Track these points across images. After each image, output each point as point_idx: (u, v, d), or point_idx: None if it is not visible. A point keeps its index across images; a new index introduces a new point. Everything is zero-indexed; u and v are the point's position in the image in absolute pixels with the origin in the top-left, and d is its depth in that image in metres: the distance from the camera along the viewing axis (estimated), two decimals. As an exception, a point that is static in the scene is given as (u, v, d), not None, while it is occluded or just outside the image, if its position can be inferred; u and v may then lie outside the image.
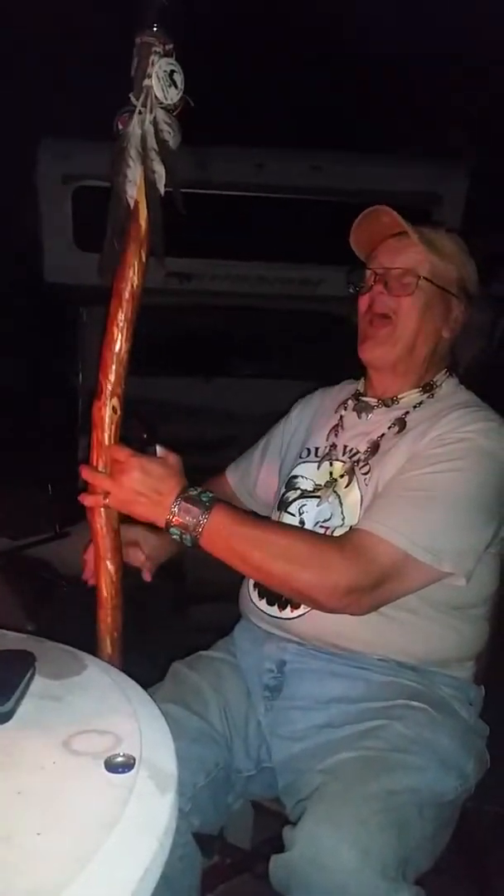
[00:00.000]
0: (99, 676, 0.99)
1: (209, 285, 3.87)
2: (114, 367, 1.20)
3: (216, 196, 3.68)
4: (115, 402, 1.19)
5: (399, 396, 1.42)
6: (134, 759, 0.78)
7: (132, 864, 0.66)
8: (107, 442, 1.20)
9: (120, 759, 0.78)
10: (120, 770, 0.77)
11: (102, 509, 1.21)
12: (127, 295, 1.20)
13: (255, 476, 1.63)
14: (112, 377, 1.20)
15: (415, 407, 1.40)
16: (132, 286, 1.20)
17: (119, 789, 0.74)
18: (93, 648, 1.19)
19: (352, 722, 1.22)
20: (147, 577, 1.45)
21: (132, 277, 1.20)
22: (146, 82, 1.15)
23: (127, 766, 0.77)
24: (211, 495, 1.19)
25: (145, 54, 1.15)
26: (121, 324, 1.21)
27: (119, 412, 1.20)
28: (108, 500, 1.19)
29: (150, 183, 1.18)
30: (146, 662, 1.37)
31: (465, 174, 3.97)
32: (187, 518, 1.17)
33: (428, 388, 1.42)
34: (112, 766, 0.77)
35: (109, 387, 1.20)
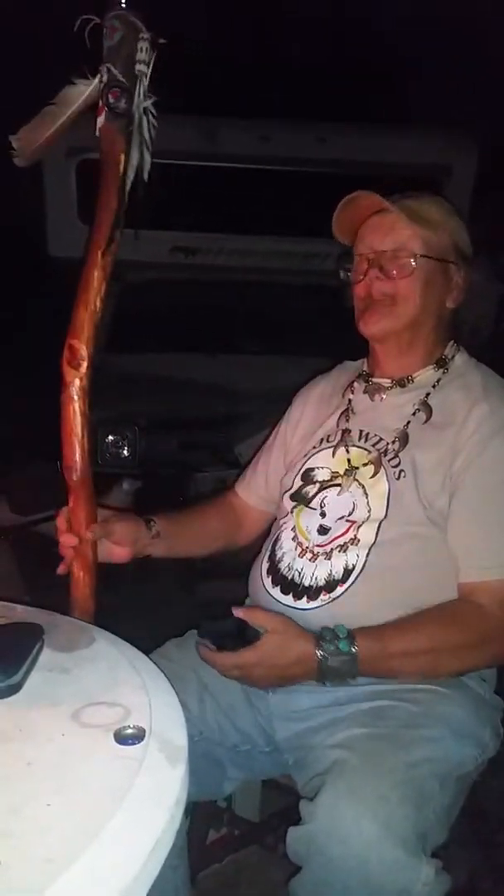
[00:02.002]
0: (108, 649, 0.98)
1: (215, 260, 3.84)
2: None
3: (222, 169, 3.64)
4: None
5: (413, 375, 1.38)
6: (144, 731, 0.78)
7: (143, 835, 0.65)
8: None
9: (130, 730, 0.78)
10: (130, 742, 0.77)
11: (78, 465, 1.23)
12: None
13: (266, 481, 1.57)
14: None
15: (433, 386, 1.35)
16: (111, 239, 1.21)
17: (129, 761, 0.74)
18: (101, 623, 1.19)
19: (358, 701, 1.21)
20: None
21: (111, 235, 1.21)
22: (139, 67, 1.18)
23: (137, 737, 0.77)
24: (342, 634, 1.16)
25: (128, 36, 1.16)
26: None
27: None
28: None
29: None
30: (153, 639, 1.37)
31: (475, 144, 3.91)
32: (339, 669, 1.15)
33: (441, 363, 1.38)
34: (122, 738, 0.77)
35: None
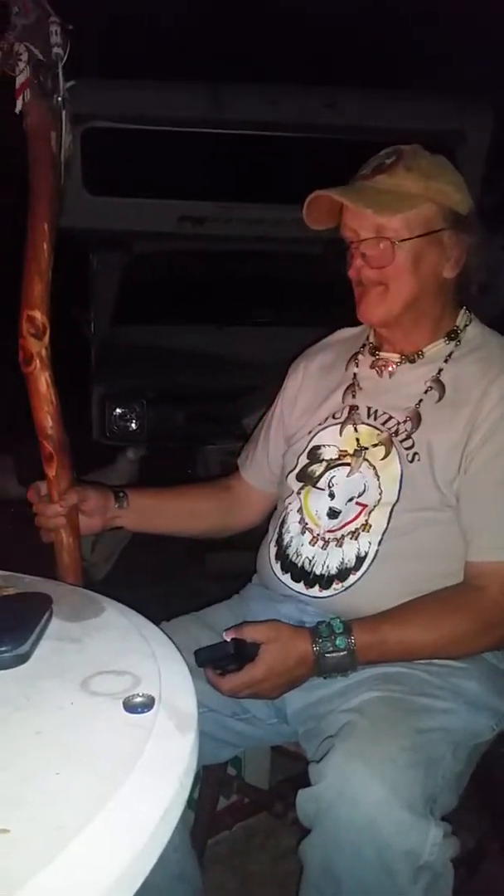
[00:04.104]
0: (117, 618, 0.98)
1: (222, 229, 3.78)
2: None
3: (229, 135, 3.58)
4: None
5: (423, 350, 1.32)
6: (153, 700, 0.78)
7: (152, 803, 0.65)
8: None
9: (139, 699, 0.77)
10: (139, 710, 0.76)
11: (50, 431, 1.25)
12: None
13: (269, 461, 1.51)
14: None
15: (445, 361, 1.30)
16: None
17: (138, 729, 0.74)
18: (109, 592, 1.19)
19: (372, 668, 1.20)
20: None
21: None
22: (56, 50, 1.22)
23: (146, 706, 0.77)
24: (339, 630, 1.15)
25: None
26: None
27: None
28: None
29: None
30: (162, 608, 1.37)
31: (490, 111, 3.84)
32: (338, 664, 1.15)
33: (452, 335, 1.32)
34: (131, 707, 0.76)
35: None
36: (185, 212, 3.77)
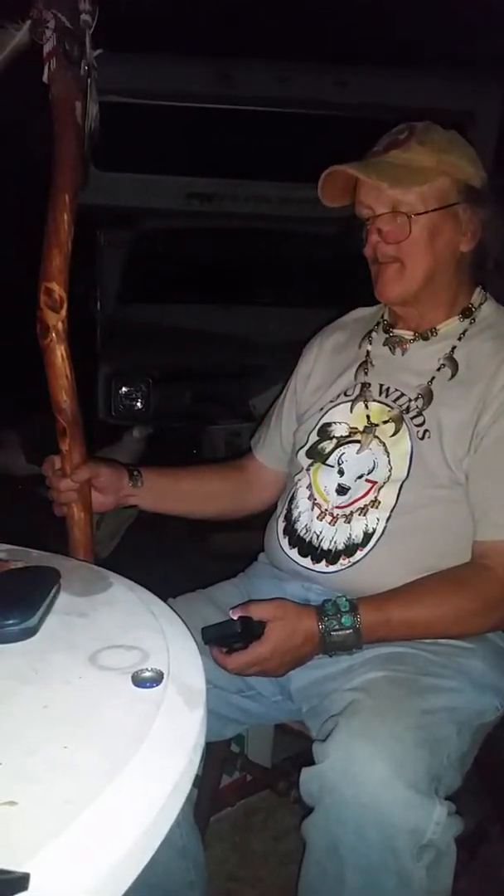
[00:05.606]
0: (125, 594, 0.98)
1: (230, 206, 3.76)
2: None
3: (238, 112, 3.54)
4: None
5: (437, 327, 1.32)
6: (162, 675, 0.77)
7: (161, 779, 0.64)
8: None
9: (148, 673, 0.77)
10: (147, 685, 0.76)
11: (64, 405, 1.25)
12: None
13: (281, 439, 1.51)
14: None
15: (459, 338, 1.30)
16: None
17: (147, 704, 0.73)
18: (114, 570, 1.19)
19: (377, 648, 1.20)
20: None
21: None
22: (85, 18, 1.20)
23: (155, 681, 0.76)
24: (345, 608, 1.13)
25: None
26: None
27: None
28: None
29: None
30: (166, 587, 1.36)
31: (499, 91, 3.80)
32: (344, 642, 1.14)
33: (467, 312, 1.32)
34: (140, 681, 0.76)
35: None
36: (193, 188, 3.74)
